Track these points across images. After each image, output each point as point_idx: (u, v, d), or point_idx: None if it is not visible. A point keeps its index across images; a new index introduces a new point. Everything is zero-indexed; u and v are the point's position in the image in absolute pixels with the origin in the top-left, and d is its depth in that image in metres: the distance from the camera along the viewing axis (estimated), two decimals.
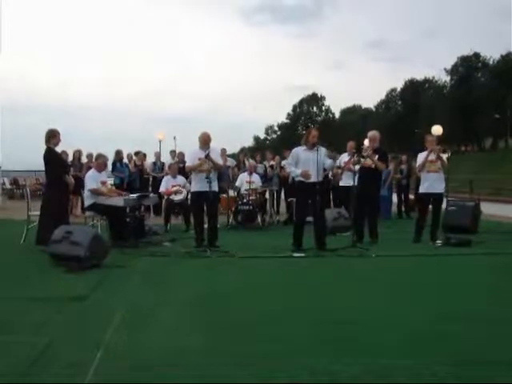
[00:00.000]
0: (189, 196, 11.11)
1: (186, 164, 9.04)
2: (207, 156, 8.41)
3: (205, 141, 8.81)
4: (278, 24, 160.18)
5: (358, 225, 9.32)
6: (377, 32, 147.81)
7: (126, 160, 14.96)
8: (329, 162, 8.52)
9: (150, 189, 14.14)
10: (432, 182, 9.30)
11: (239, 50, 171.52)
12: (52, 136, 8.39)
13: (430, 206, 9.57)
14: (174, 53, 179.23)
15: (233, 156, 20.97)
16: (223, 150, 14.66)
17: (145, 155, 15.53)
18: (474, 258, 8.06)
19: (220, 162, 9.14)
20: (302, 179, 8.35)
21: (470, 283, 6.26)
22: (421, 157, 9.49)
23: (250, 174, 12.52)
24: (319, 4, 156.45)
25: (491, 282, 6.28)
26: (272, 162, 14.87)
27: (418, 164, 9.61)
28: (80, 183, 12.90)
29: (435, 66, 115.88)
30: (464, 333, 4.17)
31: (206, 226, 8.81)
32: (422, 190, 9.61)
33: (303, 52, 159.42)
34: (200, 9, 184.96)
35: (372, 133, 9.77)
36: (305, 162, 8.33)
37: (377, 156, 9.30)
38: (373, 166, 9.26)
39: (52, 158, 8.39)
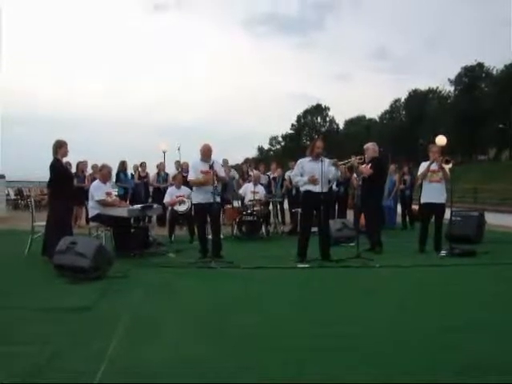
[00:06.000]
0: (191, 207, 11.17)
1: (190, 178, 9.00)
2: (211, 167, 8.45)
3: (206, 153, 8.85)
4: (280, 35, 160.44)
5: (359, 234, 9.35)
6: (379, 43, 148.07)
7: (132, 171, 15.01)
8: (333, 171, 8.53)
9: (151, 200, 14.17)
10: (433, 193, 9.30)
11: (242, 60, 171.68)
12: (59, 147, 8.42)
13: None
14: (176, 63, 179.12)
15: (236, 167, 20.99)
16: (225, 161, 14.69)
17: (145, 165, 15.52)
18: (478, 268, 8.03)
19: (222, 174, 9.16)
20: (308, 188, 8.37)
21: (474, 293, 6.24)
22: (423, 166, 9.50)
23: (255, 184, 12.53)
24: (321, 15, 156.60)
25: (496, 293, 6.26)
26: (275, 174, 14.89)
27: (419, 173, 9.63)
28: (84, 194, 12.97)
29: (438, 77, 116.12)
30: (468, 343, 4.17)
31: (209, 236, 8.83)
32: (423, 200, 9.61)
33: (306, 63, 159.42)
34: (202, 20, 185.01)
35: (366, 145, 9.92)
36: (310, 172, 8.37)
37: (369, 165, 9.41)
38: (364, 175, 9.37)
39: (58, 169, 8.42)
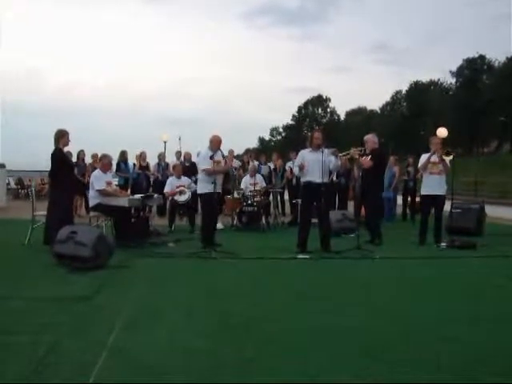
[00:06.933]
0: (192, 197, 11.20)
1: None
2: (212, 157, 8.50)
3: (216, 144, 8.89)
4: (281, 27, 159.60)
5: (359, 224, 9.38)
6: (380, 34, 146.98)
7: (134, 161, 14.98)
8: (333, 161, 8.50)
9: (151, 190, 14.15)
10: (433, 184, 9.30)
11: (243, 52, 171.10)
12: (61, 136, 8.44)
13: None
14: (176, 55, 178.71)
15: (237, 157, 21.00)
16: (231, 151, 14.69)
17: (144, 155, 15.47)
18: (478, 260, 8.05)
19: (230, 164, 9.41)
20: (309, 179, 8.37)
21: (474, 286, 6.25)
22: (423, 158, 9.50)
23: (251, 176, 12.52)
24: (322, 7, 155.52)
25: (495, 285, 6.28)
26: (276, 165, 14.85)
27: (420, 165, 9.64)
28: (84, 184, 12.99)
29: (440, 69, 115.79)
30: (467, 336, 4.17)
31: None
32: (423, 191, 9.62)
33: (307, 54, 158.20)
34: (202, 11, 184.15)
35: (366, 136, 9.95)
36: (310, 163, 8.35)
37: (369, 156, 9.45)
38: (364, 166, 9.44)
39: (59, 158, 8.43)
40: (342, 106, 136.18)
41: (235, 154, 14.02)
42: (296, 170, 8.69)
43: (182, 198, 11.34)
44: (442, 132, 16.33)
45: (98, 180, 9.06)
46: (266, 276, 6.73)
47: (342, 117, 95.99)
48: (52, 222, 8.11)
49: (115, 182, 12.02)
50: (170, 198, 11.51)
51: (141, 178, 14.67)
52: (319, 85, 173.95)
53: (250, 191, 12.15)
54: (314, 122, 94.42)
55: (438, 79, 75.46)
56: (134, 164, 14.85)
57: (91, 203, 9.25)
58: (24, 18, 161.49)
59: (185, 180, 11.72)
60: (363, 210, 9.99)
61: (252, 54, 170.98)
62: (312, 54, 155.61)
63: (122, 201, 8.95)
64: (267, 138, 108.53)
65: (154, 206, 12.94)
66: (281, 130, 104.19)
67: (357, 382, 3.24)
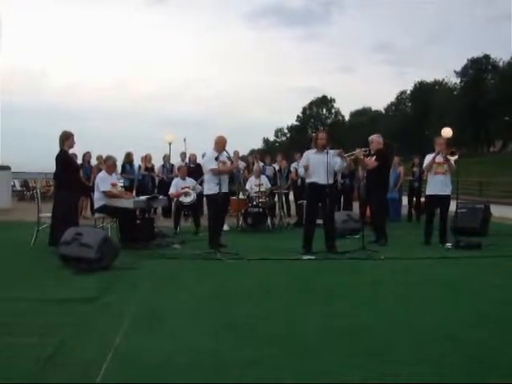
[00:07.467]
0: (197, 198, 11.23)
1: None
2: (217, 158, 8.51)
3: (222, 145, 8.92)
4: (284, 27, 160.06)
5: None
6: (384, 35, 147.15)
7: (139, 162, 15.00)
8: (339, 162, 8.49)
9: (156, 191, 14.17)
10: (438, 185, 9.28)
11: (247, 52, 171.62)
12: (66, 138, 8.46)
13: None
14: (179, 56, 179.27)
15: (242, 158, 20.99)
16: (236, 152, 14.69)
17: (150, 157, 15.52)
18: (483, 260, 8.03)
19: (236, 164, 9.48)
20: (313, 180, 8.37)
21: (479, 286, 6.23)
22: (428, 158, 9.49)
23: (257, 177, 12.52)
24: (326, 8, 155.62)
25: (500, 286, 6.26)
26: (280, 165, 14.85)
27: (424, 165, 9.63)
28: (89, 186, 13.01)
29: (443, 69, 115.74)
30: (472, 336, 4.17)
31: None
32: (428, 192, 9.62)
33: (311, 55, 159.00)
34: (206, 12, 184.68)
35: (370, 137, 9.93)
36: (315, 164, 8.35)
37: (374, 157, 9.43)
38: (369, 167, 9.42)
39: (64, 160, 8.45)
40: (346, 107, 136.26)
41: (240, 155, 13.96)
42: (301, 171, 8.70)
43: (187, 200, 11.35)
44: (447, 132, 16.30)
45: (103, 181, 9.08)
46: (271, 277, 6.72)
47: (347, 117, 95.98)
48: (57, 224, 8.13)
49: (120, 183, 12.04)
50: (175, 199, 11.53)
51: (146, 180, 14.71)
52: (323, 85, 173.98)
53: (255, 192, 12.16)
54: (318, 122, 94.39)
55: (443, 79, 75.43)
56: (140, 166, 14.89)
57: (96, 205, 9.26)
58: (24, 17, 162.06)
59: (190, 181, 11.73)
60: (368, 210, 9.99)
61: (255, 55, 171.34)
62: (316, 54, 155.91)
63: (127, 202, 8.96)
64: (272, 138, 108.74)
65: (159, 207, 12.95)
66: (285, 130, 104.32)
67: (361, 382, 3.25)
